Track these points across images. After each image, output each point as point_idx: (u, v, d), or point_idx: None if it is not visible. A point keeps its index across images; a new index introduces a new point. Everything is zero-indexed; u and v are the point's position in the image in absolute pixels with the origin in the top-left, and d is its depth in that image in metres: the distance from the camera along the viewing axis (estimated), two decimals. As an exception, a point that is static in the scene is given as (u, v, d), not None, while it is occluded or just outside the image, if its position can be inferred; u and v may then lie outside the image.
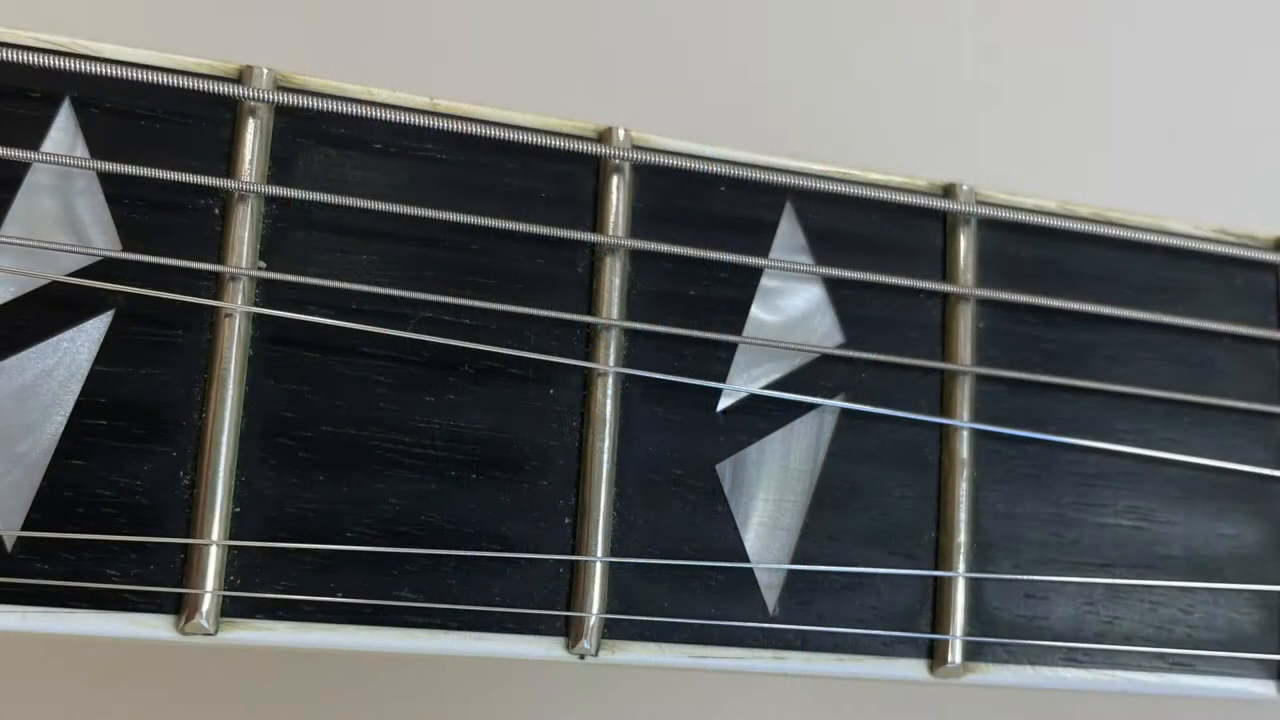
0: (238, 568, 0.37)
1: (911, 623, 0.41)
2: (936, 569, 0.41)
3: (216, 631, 0.36)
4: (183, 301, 0.37)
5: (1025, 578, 0.42)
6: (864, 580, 0.41)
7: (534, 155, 0.40)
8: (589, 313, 0.40)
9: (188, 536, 0.36)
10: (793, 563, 0.40)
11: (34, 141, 0.37)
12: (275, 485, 0.37)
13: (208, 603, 0.36)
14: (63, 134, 0.37)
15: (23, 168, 0.36)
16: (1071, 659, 0.42)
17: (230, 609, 0.37)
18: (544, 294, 0.39)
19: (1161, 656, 0.43)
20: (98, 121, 0.37)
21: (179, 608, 0.36)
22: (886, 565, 0.41)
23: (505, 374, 0.39)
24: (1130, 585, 0.43)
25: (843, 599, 0.40)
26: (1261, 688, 0.43)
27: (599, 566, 0.38)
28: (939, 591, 0.41)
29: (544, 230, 0.39)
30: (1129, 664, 0.42)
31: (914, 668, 0.41)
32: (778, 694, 0.65)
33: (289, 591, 0.37)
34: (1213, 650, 0.43)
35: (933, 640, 0.41)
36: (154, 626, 0.36)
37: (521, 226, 0.39)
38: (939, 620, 0.41)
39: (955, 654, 0.41)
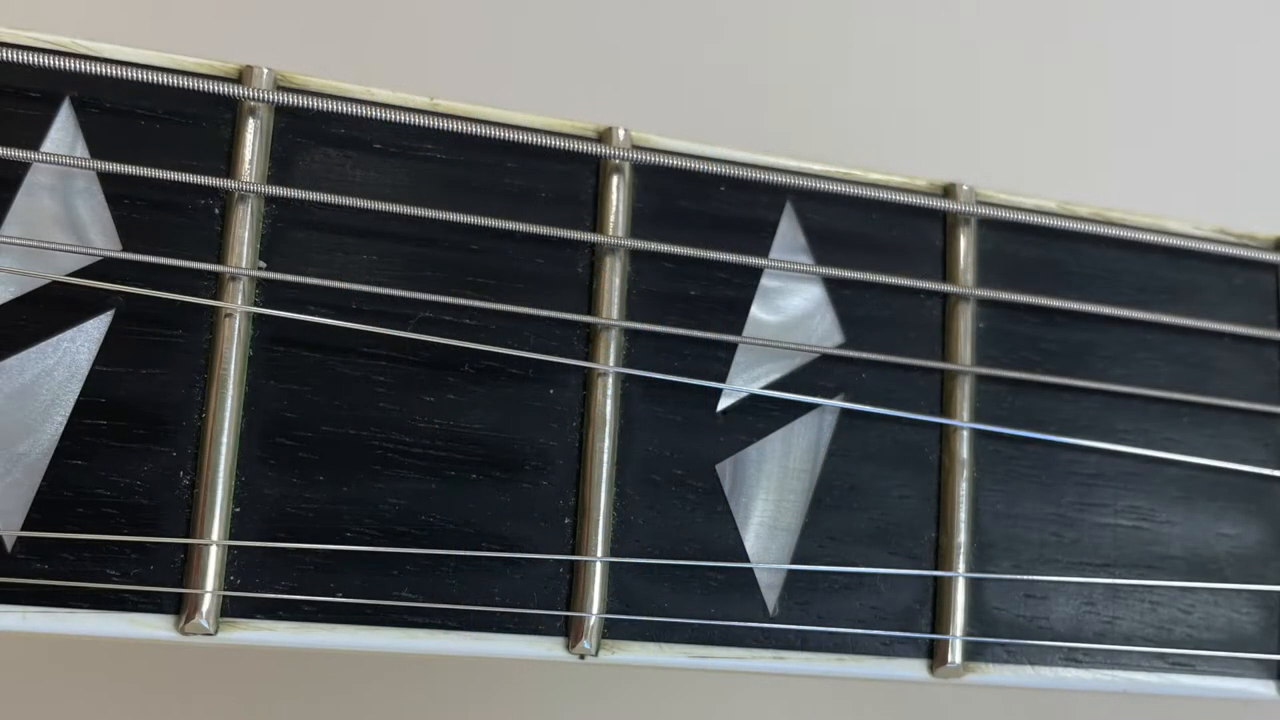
0: (238, 568, 0.37)
1: (911, 623, 0.41)
2: (936, 569, 0.41)
3: (216, 632, 0.36)
4: (183, 301, 0.37)
5: (1025, 578, 0.42)
6: (864, 580, 0.41)
7: (534, 155, 0.40)
8: (589, 313, 0.40)
9: (188, 536, 0.36)
10: (793, 563, 0.40)
11: (34, 141, 0.37)
12: (275, 485, 0.37)
13: (208, 603, 0.36)
14: (63, 134, 0.37)
15: (23, 168, 0.36)
16: (1071, 659, 0.42)
17: (230, 609, 0.36)
18: (544, 294, 0.39)
19: (1161, 656, 0.43)
20: (98, 121, 0.37)
21: (179, 608, 0.36)
22: (887, 565, 0.41)
23: (505, 374, 0.39)
24: (1130, 585, 0.43)
25: (843, 599, 0.40)
26: (1261, 688, 0.43)
27: (599, 566, 0.38)
28: (939, 591, 0.41)
29: (544, 230, 0.39)
30: (1129, 664, 0.42)
31: (914, 668, 0.41)
32: (778, 694, 0.65)
33: (289, 591, 0.37)
34: (1213, 650, 0.43)
35: (933, 640, 0.41)
36: (154, 626, 0.36)
37: (521, 226, 0.39)
38: (939, 620, 0.41)
39: (955, 654, 0.41)
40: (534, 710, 0.64)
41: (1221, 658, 0.43)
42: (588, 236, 0.40)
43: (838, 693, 0.64)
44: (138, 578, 0.36)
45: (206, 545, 0.36)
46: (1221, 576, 0.43)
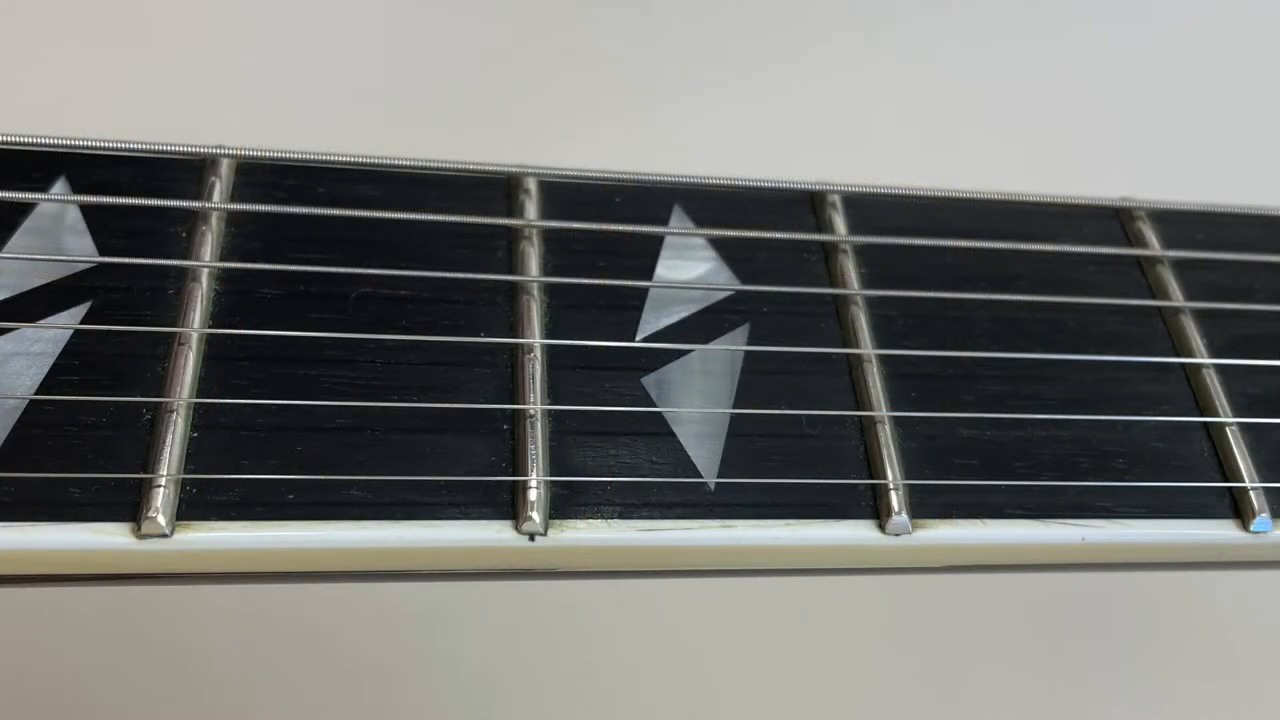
0: (195, 480, 0.39)
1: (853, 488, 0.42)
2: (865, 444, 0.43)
3: (173, 533, 0.38)
4: (153, 290, 0.42)
5: (940, 416, 0.43)
6: (800, 445, 0.42)
7: (455, 188, 0.47)
8: (511, 294, 0.45)
9: (148, 456, 0.39)
10: (724, 456, 0.42)
11: (30, 206, 0.44)
12: (230, 414, 0.40)
13: (160, 499, 0.38)
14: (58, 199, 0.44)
15: (20, 216, 0.44)
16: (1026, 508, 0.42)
17: (186, 515, 0.38)
18: (471, 273, 0.45)
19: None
20: (87, 191, 0.45)
21: (137, 517, 0.38)
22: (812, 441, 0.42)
23: (438, 326, 0.43)
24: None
25: (775, 464, 0.42)
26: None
27: (541, 449, 0.40)
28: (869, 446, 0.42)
29: (470, 220, 0.46)
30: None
31: (865, 528, 0.41)
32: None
33: (243, 502, 0.39)
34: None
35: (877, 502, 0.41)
36: (112, 534, 0.37)
37: (448, 218, 0.45)
38: (875, 475, 0.42)
39: (899, 505, 0.41)
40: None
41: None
42: (504, 222, 0.46)
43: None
44: (99, 495, 0.38)
45: (164, 450, 0.38)
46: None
